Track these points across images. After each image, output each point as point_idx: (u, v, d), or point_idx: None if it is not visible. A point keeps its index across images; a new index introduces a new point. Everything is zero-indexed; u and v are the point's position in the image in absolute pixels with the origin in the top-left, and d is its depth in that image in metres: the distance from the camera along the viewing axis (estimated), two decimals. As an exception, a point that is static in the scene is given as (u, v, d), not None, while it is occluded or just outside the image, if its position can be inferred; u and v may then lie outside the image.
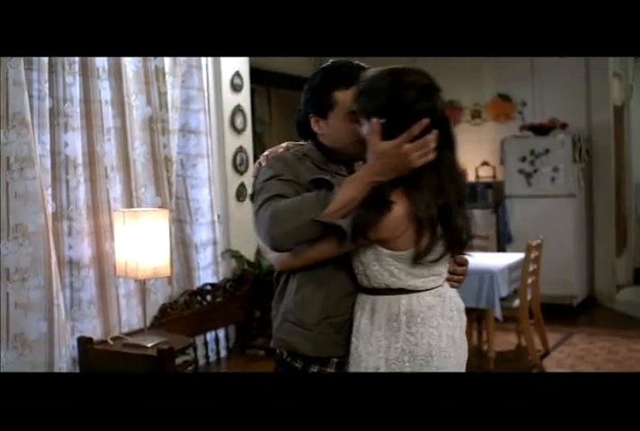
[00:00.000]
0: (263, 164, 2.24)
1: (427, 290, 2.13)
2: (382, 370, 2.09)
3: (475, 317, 5.71)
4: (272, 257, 2.21)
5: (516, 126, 7.87)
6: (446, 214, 2.05)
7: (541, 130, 7.57)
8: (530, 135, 7.66)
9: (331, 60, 2.25)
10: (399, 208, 2.02)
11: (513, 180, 7.58)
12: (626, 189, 8.55)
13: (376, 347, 2.10)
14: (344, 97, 2.16)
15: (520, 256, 5.85)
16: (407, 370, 2.07)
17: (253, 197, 2.19)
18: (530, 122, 7.72)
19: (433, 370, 2.08)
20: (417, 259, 2.06)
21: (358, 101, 2.09)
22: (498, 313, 5.43)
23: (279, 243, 2.04)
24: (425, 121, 1.97)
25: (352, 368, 2.15)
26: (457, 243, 2.13)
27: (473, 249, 2.24)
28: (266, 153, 2.31)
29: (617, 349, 6.13)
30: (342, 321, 2.19)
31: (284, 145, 2.32)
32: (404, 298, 2.10)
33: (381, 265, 2.08)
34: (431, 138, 2.00)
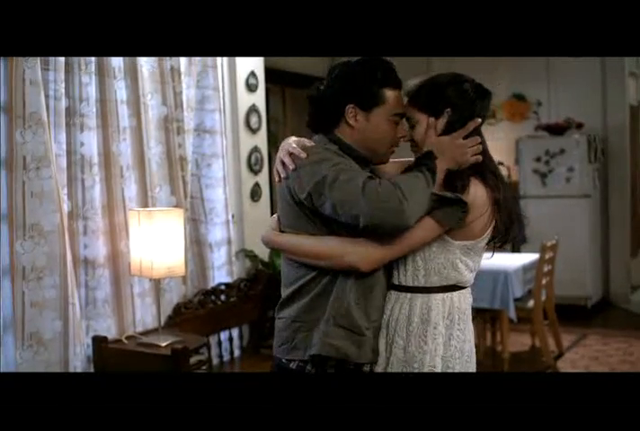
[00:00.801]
0: (303, 156, 2.09)
1: (467, 287, 2.19)
2: (438, 368, 2.10)
3: (490, 317, 5.69)
4: (355, 259, 2.06)
5: (531, 126, 7.84)
6: (506, 203, 2.13)
7: (556, 130, 7.54)
8: (545, 135, 7.63)
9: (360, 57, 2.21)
10: (481, 189, 2.08)
11: (528, 180, 7.55)
12: (642, 190, 8.51)
13: (432, 346, 2.11)
14: (393, 97, 2.16)
15: (534, 256, 5.83)
16: (457, 367, 2.12)
17: (317, 183, 2.02)
18: (545, 122, 7.70)
19: (472, 366, 2.16)
20: (495, 238, 2.15)
21: (417, 98, 2.14)
22: (512, 314, 5.40)
23: (410, 216, 1.97)
24: (479, 121, 2.10)
25: (398, 370, 2.12)
26: (505, 235, 2.18)
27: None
28: (293, 144, 2.16)
29: (632, 350, 6.09)
30: (379, 325, 2.18)
31: (305, 140, 2.20)
32: (455, 295, 2.15)
33: (446, 257, 2.11)
34: (479, 140, 2.10)
